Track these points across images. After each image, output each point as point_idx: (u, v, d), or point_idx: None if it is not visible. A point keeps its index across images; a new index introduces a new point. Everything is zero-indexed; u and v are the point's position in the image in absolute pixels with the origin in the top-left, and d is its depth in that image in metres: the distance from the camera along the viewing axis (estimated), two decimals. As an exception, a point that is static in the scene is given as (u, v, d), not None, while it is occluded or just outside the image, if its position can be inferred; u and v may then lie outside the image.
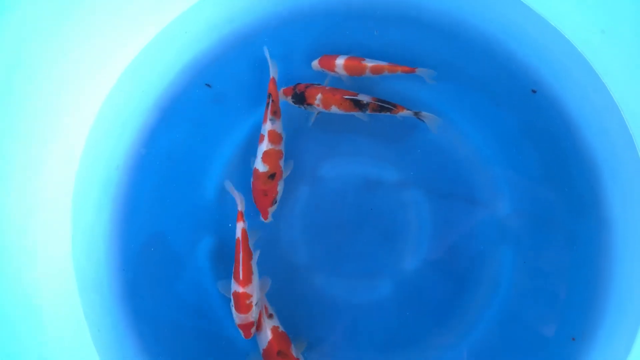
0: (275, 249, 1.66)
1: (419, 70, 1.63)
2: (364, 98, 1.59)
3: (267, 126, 1.60)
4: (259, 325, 1.53)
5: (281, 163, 1.60)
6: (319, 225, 1.69)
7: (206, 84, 1.74)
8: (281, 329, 1.54)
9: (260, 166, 1.58)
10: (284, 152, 1.60)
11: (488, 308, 1.63)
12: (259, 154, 1.59)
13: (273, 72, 1.64)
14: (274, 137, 1.59)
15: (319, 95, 1.60)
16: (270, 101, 1.61)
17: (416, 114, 1.58)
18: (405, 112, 1.59)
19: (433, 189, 1.69)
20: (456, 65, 1.73)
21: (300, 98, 1.62)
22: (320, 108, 1.62)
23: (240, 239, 1.53)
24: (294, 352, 1.52)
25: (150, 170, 1.72)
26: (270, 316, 1.55)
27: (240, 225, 1.54)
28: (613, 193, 1.64)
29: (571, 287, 1.62)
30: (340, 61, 1.64)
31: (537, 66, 1.70)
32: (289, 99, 1.65)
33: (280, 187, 1.59)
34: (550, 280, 1.63)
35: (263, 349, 1.52)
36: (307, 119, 1.70)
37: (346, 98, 1.59)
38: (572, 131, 1.68)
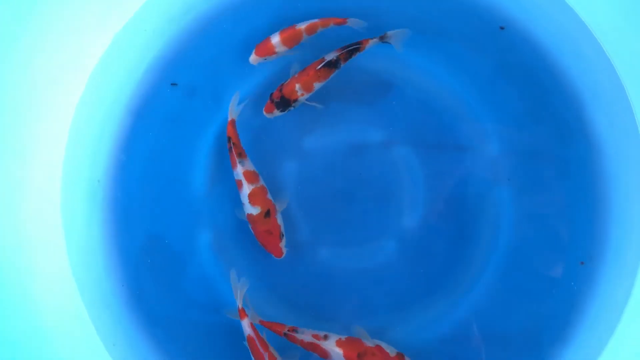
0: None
1: (350, 21, 1.61)
2: (331, 56, 1.57)
3: (239, 169, 1.57)
4: None
5: (269, 197, 1.58)
6: (313, 200, 1.67)
7: (172, 83, 1.70)
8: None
9: (251, 210, 1.55)
10: (266, 186, 1.59)
11: (494, 248, 1.63)
12: (245, 200, 1.56)
13: (234, 114, 1.60)
14: (251, 177, 1.57)
15: (297, 85, 1.57)
16: (232, 145, 1.58)
17: (381, 38, 1.57)
18: (372, 42, 1.57)
19: (419, 142, 1.68)
20: (423, 17, 1.70)
21: (284, 102, 1.59)
22: (306, 95, 1.59)
23: (252, 335, 1.52)
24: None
25: (134, 175, 1.70)
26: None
27: (245, 323, 1.53)
28: (597, 115, 1.64)
29: (572, 214, 1.63)
30: (275, 40, 1.60)
31: (502, 2, 1.69)
32: (276, 113, 1.61)
33: (280, 220, 1.58)
34: (549, 212, 1.64)
35: None
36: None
37: (319, 68, 1.57)
38: (547, 61, 1.67)
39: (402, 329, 1.62)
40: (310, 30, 1.61)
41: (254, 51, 1.63)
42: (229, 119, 1.60)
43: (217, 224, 1.67)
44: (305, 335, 1.51)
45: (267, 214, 1.55)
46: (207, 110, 1.70)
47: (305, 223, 1.67)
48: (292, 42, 1.61)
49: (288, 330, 1.52)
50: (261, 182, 1.58)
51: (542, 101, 1.67)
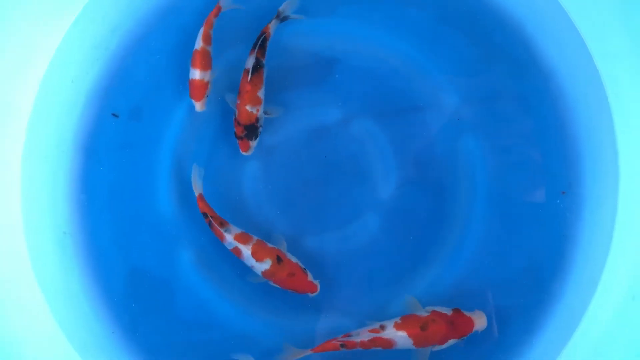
0: (250, 228, 1.59)
1: (222, 2, 1.58)
2: (250, 61, 1.54)
3: (229, 238, 1.51)
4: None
5: (270, 245, 1.54)
6: (284, 194, 1.64)
7: (113, 114, 1.64)
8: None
9: (263, 266, 1.51)
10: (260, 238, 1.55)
11: (475, 197, 1.62)
12: (251, 262, 1.51)
13: (199, 189, 1.55)
14: (243, 238, 1.52)
15: (247, 106, 1.53)
16: (210, 219, 1.53)
17: (278, 16, 1.57)
18: (273, 24, 1.56)
19: (377, 112, 1.65)
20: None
21: (250, 129, 1.55)
22: (261, 108, 1.55)
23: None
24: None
25: (98, 213, 1.64)
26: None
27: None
28: (546, 46, 1.62)
29: (543, 148, 1.62)
30: (195, 74, 1.56)
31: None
32: (253, 144, 1.57)
33: (293, 259, 1.53)
34: (521, 150, 1.63)
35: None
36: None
37: (249, 79, 1.53)
38: (488, 1, 1.65)
39: (404, 300, 1.59)
40: (207, 40, 1.57)
41: (193, 100, 1.58)
42: (196, 195, 1.54)
43: (195, 241, 1.63)
44: (363, 335, 1.46)
45: (279, 259, 1.50)
46: (156, 131, 1.65)
47: (283, 218, 1.63)
48: (207, 62, 1.58)
49: (342, 339, 1.46)
50: (255, 237, 1.53)
51: (489, 42, 1.65)
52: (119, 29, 1.65)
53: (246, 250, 1.50)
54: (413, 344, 1.45)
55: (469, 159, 1.63)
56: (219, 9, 1.58)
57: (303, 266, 1.53)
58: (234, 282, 1.61)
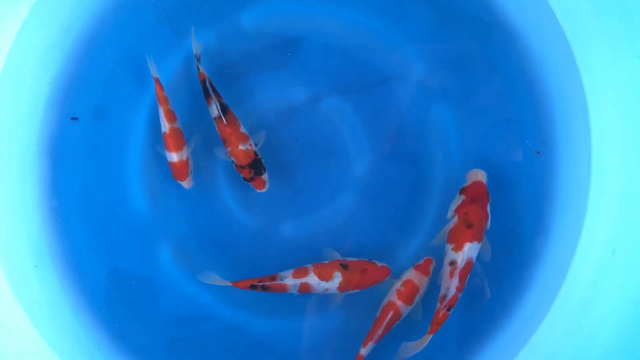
0: (225, 219, 1.59)
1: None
2: (212, 109, 1.51)
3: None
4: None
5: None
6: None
7: (72, 118, 1.60)
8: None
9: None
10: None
11: (450, 164, 1.61)
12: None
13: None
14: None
15: (239, 145, 1.50)
16: (261, 288, 1.50)
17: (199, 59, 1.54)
18: (200, 67, 1.53)
19: (345, 88, 1.62)
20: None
21: (253, 164, 1.51)
22: (250, 140, 1.52)
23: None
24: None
25: (71, 218, 1.61)
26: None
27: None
28: (507, 4, 1.60)
29: (514, 108, 1.61)
30: (173, 157, 1.52)
31: None
32: (264, 176, 1.53)
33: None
34: (491, 112, 1.62)
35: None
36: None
37: (226, 124, 1.50)
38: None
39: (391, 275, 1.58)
40: (171, 117, 1.52)
41: (179, 180, 1.55)
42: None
43: (172, 236, 1.60)
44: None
45: (344, 266, 1.49)
46: (121, 129, 1.61)
47: (258, 206, 1.61)
48: (180, 141, 1.53)
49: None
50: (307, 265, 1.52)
51: (451, 7, 1.62)
52: (71, 29, 1.60)
53: (313, 279, 1.48)
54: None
55: (442, 127, 1.61)
56: (157, 80, 1.52)
57: (364, 258, 1.52)
58: (217, 275, 1.59)
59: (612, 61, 1.44)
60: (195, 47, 1.54)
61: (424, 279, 1.50)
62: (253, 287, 1.49)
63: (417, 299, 1.50)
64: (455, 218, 1.47)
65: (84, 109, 1.61)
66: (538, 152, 1.59)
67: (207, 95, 1.52)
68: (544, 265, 1.57)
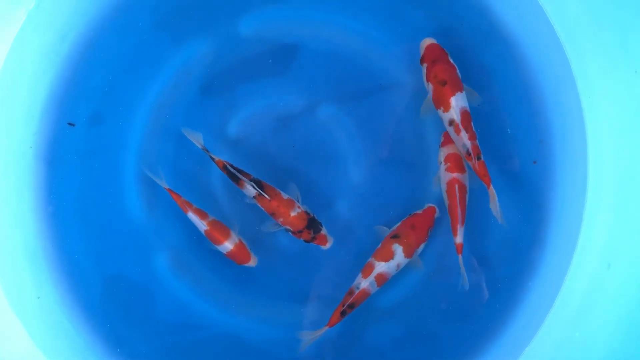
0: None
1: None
2: (248, 190, 1.49)
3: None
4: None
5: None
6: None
7: (69, 123, 1.60)
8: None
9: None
10: None
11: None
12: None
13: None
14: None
15: (290, 215, 1.48)
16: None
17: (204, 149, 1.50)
18: (210, 154, 1.50)
19: (343, 95, 1.62)
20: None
21: (310, 223, 1.49)
22: (298, 201, 1.50)
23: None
24: None
25: (68, 224, 1.61)
26: None
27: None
28: (505, 13, 1.60)
29: (512, 117, 1.60)
30: (222, 246, 1.51)
31: None
32: (323, 230, 1.51)
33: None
34: (491, 122, 1.61)
35: None
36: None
37: (269, 198, 1.47)
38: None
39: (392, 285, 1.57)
40: (203, 215, 1.52)
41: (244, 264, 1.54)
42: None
43: (169, 244, 1.60)
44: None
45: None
46: (118, 135, 1.61)
47: (255, 213, 1.60)
48: (224, 230, 1.52)
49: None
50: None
51: (449, 14, 1.62)
52: (68, 35, 1.59)
53: (382, 266, 1.48)
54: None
55: (439, 135, 1.61)
56: (171, 191, 1.53)
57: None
58: (211, 281, 1.60)
59: (608, 74, 1.44)
60: (198, 141, 1.50)
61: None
62: (343, 314, 1.47)
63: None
64: (430, 86, 1.48)
65: (80, 115, 1.61)
66: (535, 162, 1.59)
67: (236, 179, 1.49)
68: (539, 276, 1.56)
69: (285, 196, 1.49)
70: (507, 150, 1.60)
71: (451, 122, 1.45)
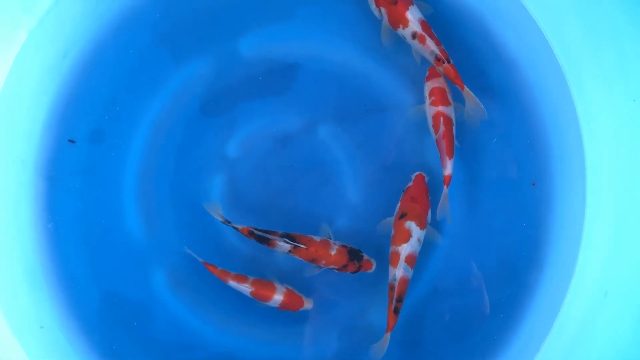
0: (221, 244, 1.59)
1: None
2: (281, 247, 1.48)
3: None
4: None
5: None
6: (255, 205, 1.61)
7: (69, 140, 1.61)
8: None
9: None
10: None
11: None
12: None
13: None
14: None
15: (330, 254, 1.48)
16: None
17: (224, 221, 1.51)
18: (233, 226, 1.50)
19: (342, 116, 1.62)
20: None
21: (353, 256, 1.49)
22: (335, 243, 1.50)
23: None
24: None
25: (66, 241, 1.61)
26: None
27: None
28: (505, 35, 1.60)
29: (512, 139, 1.61)
30: (272, 302, 1.52)
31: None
32: (365, 255, 1.51)
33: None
34: (490, 144, 1.61)
35: None
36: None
37: (306, 246, 1.47)
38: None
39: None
40: (241, 279, 1.52)
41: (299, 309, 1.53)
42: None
43: (166, 262, 1.61)
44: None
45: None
46: (117, 152, 1.62)
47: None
48: (268, 284, 1.52)
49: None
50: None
51: (449, 35, 1.61)
52: (69, 53, 1.60)
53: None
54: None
55: (437, 156, 1.60)
56: (207, 264, 1.54)
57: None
58: (209, 300, 1.60)
59: (607, 99, 1.44)
60: (218, 214, 1.51)
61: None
62: (396, 311, 1.46)
63: (450, 96, 1.51)
64: (382, 11, 1.49)
65: (81, 132, 1.62)
66: (534, 184, 1.58)
67: (265, 241, 1.48)
68: (535, 301, 1.56)
69: (318, 239, 1.49)
70: (506, 171, 1.60)
71: (414, 35, 1.48)
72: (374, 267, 1.52)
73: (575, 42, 1.49)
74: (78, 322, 1.59)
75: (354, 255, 1.49)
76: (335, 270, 1.51)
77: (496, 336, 1.57)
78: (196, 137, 1.62)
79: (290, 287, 1.53)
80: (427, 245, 1.58)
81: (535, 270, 1.57)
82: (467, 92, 1.48)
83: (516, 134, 1.60)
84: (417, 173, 1.54)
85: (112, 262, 1.61)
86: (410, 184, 1.53)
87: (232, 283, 1.51)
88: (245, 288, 1.51)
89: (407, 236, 1.46)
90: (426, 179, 1.54)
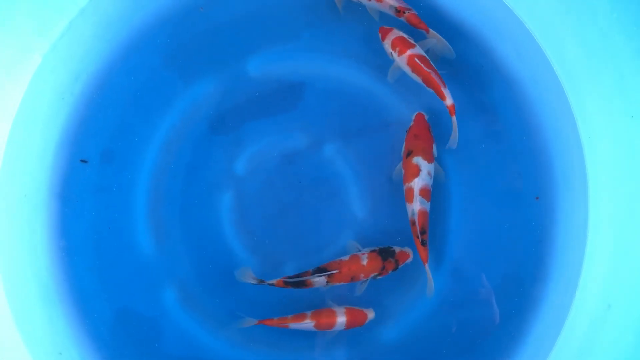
0: (229, 260, 1.62)
1: None
2: (316, 282, 1.49)
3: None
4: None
5: None
6: (262, 222, 1.64)
7: (81, 160, 1.65)
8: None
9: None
10: None
11: (449, 213, 1.63)
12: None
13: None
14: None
15: (363, 263, 1.50)
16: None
17: (258, 281, 1.52)
18: (270, 282, 1.52)
19: (348, 132, 1.65)
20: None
21: (386, 255, 1.51)
22: (362, 253, 1.51)
23: None
24: None
25: (79, 258, 1.64)
26: None
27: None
28: (505, 52, 1.63)
29: (514, 154, 1.63)
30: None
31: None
32: (409, 251, 1.55)
33: None
34: (493, 159, 1.64)
35: None
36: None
37: (339, 271, 1.49)
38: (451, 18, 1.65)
39: (396, 319, 1.61)
40: (299, 317, 1.53)
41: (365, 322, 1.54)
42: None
43: (177, 278, 1.63)
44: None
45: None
46: (129, 171, 1.65)
47: (262, 247, 1.64)
48: (326, 315, 1.52)
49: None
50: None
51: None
52: (81, 75, 1.64)
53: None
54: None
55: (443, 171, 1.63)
56: (268, 321, 1.53)
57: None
58: (220, 317, 1.62)
59: (606, 116, 1.46)
60: (251, 277, 1.52)
61: None
62: (424, 243, 1.48)
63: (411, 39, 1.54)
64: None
65: (92, 152, 1.65)
66: (537, 198, 1.61)
67: (302, 284, 1.49)
68: (541, 312, 1.58)
69: (346, 257, 1.51)
70: (510, 186, 1.62)
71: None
72: (411, 255, 1.53)
73: (574, 60, 1.51)
74: (91, 339, 1.61)
75: (386, 254, 1.51)
76: (380, 277, 1.51)
77: (502, 349, 1.59)
78: (205, 156, 1.65)
79: (348, 306, 1.53)
80: (432, 260, 1.60)
81: (539, 283, 1.58)
82: (432, 33, 1.54)
83: (519, 149, 1.63)
84: (417, 113, 1.59)
85: (124, 279, 1.64)
86: (412, 123, 1.57)
87: (294, 325, 1.51)
88: (308, 324, 1.51)
89: (416, 171, 1.49)
90: (426, 117, 1.57)
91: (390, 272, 1.51)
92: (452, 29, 1.64)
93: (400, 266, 1.52)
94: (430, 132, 1.56)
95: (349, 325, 1.52)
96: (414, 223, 1.49)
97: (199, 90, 1.66)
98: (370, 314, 1.54)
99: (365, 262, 1.49)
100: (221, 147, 1.65)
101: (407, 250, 1.54)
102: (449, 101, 1.49)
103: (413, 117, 1.59)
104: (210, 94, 1.66)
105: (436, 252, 1.62)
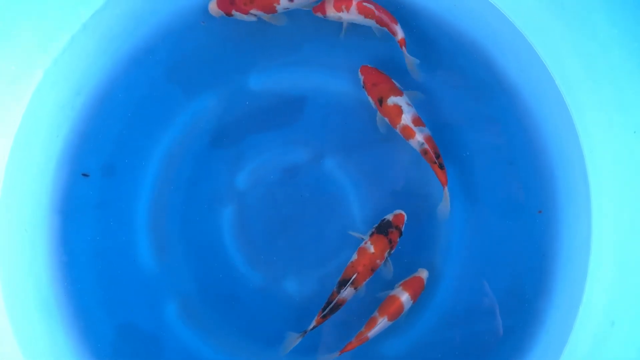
0: (230, 273, 1.62)
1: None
2: (346, 294, 1.49)
3: None
4: None
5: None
6: (264, 236, 1.64)
7: (83, 174, 1.65)
8: None
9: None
10: None
11: (452, 227, 1.63)
12: None
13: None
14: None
15: (367, 268, 1.49)
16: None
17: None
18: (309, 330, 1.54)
19: (350, 145, 1.66)
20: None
21: (383, 230, 1.52)
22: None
23: None
24: None
25: (81, 274, 1.64)
26: None
27: None
28: (507, 65, 1.63)
29: (517, 167, 1.63)
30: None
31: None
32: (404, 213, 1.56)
33: None
34: (496, 172, 1.63)
35: None
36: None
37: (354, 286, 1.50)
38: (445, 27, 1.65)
39: (400, 332, 1.60)
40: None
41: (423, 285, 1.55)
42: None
43: (178, 293, 1.63)
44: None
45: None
46: (130, 185, 1.66)
47: (264, 261, 1.64)
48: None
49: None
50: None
51: (452, 66, 1.65)
52: (82, 90, 1.65)
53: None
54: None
55: (439, 186, 1.62)
56: None
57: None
58: (221, 331, 1.62)
59: (608, 131, 1.46)
60: (293, 340, 1.51)
61: None
62: (441, 167, 1.51)
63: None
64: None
65: (94, 166, 1.66)
66: (540, 212, 1.60)
67: (337, 307, 1.49)
68: (545, 328, 1.57)
69: (355, 257, 1.51)
70: (512, 199, 1.62)
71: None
72: (405, 214, 1.54)
73: (575, 74, 1.52)
74: (92, 354, 1.61)
75: (384, 227, 1.52)
76: (394, 250, 1.52)
77: (505, 363, 1.58)
78: (206, 170, 1.65)
79: (402, 282, 1.53)
80: (434, 275, 1.60)
81: (542, 298, 1.58)
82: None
83: (521, 163, 1.62)
84: (360, 67, 1.59)
85: (125, 293, 1.64)
86: (363, 77, 1.58)
87: (372, 333, 1.51)
88: (383, 323, 1.50)
89: (397, 109, 1.52)
90: (369, 65, 1.58)
91: (398, 240, 1.52)
92: (453, 43, 1.65)
93: (402, 228, 1.52)
94: (383, 73, 1.57)
95: (414, 297, 1.52)
96: (425, 152, 1.51)
97: (200, 105, 1.67)
98: (424, 274, 1.55)
99: (373, 249, 1.49)
100: (222, 161, 1.66)
101: (398, 211, 1.55)
102: (399, 36, 1.54)
103: (360, 74, 1.58)
104: (212, 108, 1.66)
105: (438, 263, 1.61)
